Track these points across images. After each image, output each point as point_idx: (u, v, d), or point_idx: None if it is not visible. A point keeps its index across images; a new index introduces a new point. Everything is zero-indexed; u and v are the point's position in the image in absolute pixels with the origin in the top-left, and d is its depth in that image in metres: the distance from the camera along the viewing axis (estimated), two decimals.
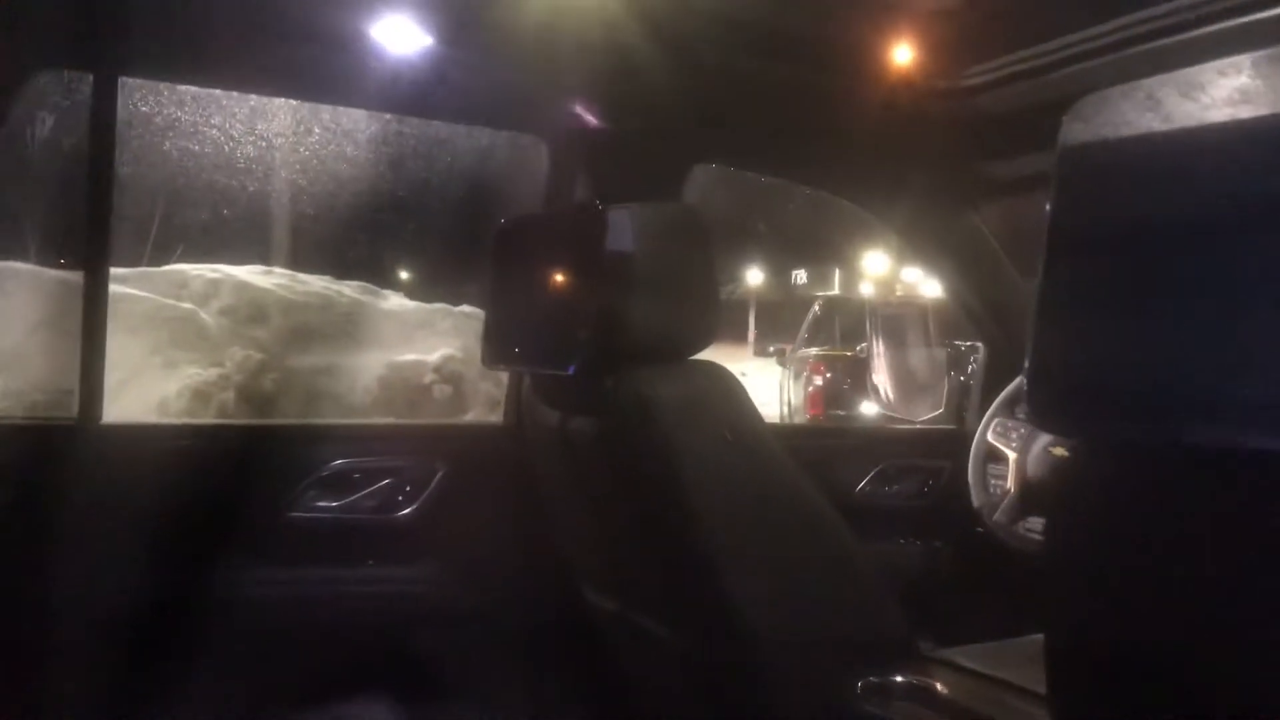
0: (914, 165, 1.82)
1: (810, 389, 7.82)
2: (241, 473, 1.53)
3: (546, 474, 1.51)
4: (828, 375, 7.83)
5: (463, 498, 1.66)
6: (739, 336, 11.52)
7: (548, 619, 1.59)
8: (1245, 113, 0.62)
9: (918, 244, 2.10)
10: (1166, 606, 0.66)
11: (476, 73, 1.60)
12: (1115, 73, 1.42)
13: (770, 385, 8.72)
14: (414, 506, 1.63)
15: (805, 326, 9.01)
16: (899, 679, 1.16)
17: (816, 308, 9.33)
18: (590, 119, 1.68)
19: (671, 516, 1.22)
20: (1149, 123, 0.68)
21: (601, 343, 1.24)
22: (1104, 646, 0.70)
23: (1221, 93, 0.63)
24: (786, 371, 8.67)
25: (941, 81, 1.64)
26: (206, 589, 1.49)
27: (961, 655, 1.28)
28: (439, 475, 1.66)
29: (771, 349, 9.70)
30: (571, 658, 1.59)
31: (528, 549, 1.62)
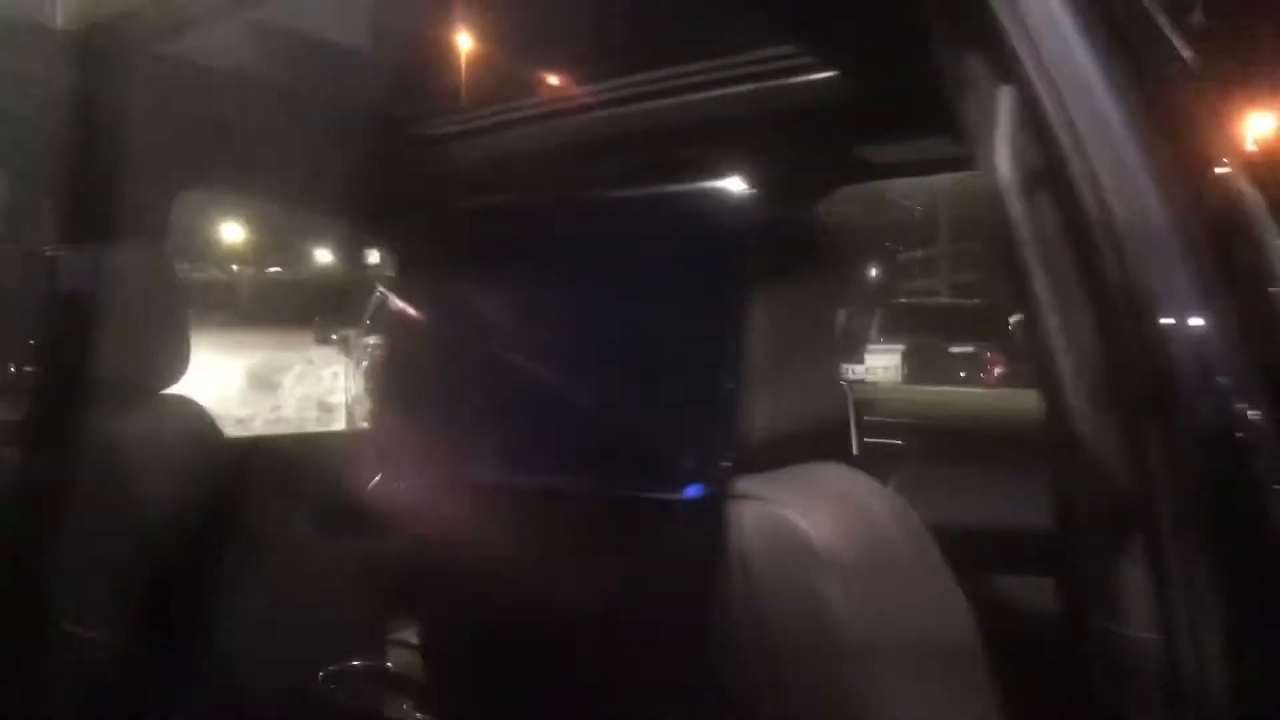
0: (394, 201, 2.02)
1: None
2: None
3: (17, 510, 1.49)
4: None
5: None
6: (302, 321, 11.11)
7: (23, 654, 1.57)
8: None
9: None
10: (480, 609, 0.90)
11: None
12: (552, 135, 1.73)
13: (335, 374, 8.60)
14: None
15: (369, 312, 8.98)
16: (357, 663, 1.36)
17: (380, 292, 9.33)
18: (63, 145, 1.64)
19: (149, 551, 1.30)
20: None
21: (63, 381, 1.28)
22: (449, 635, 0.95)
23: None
24: (349, 360, 8.61)
25: (416, 128, 1.85)
26: None
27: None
28: None
29: (335, 336, 9.55)
30: (55, 688, 1.58)
31: (7, 590, 1.58)
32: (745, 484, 0.73)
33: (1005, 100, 0.72)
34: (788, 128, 1.44)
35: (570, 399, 0.76)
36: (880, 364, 8.66)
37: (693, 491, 0.72)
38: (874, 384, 7.59)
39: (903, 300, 12.93)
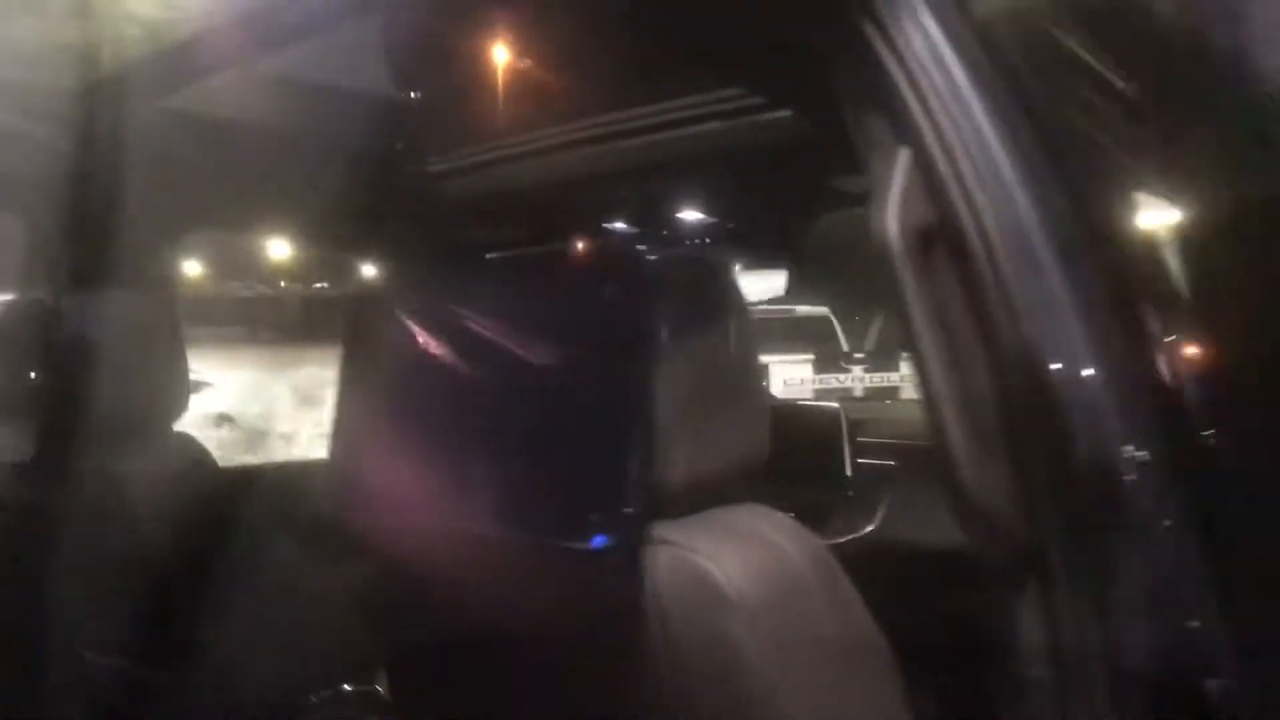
0: (390, 235, 2.08)
1: None
2: None
3: (30, 547, 1.56)
4: None
5: None
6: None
7: (46, 683, 1.64)
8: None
9: None
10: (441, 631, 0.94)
11: None
12: (534, 173, 1.78)
13: None
14: None
15: None
16: (348, 688, 1.41)
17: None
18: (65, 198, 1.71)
19: (152, 580, 1.37)
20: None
21: (70, 422, 1.36)
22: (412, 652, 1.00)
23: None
24: None
25: (413, 166, 1.91)
26: None
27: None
28: None
29: None
30: (62, 711, 1.65)
31: (22, 619, 1.65)
32: (662, 529, 0.77)
33: (902, 160, 0.75)
34: (763, 162, 1.47)
35: (493, 448, 0.80)
36: None
37: (608, 539, 0.75)
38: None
39: None
